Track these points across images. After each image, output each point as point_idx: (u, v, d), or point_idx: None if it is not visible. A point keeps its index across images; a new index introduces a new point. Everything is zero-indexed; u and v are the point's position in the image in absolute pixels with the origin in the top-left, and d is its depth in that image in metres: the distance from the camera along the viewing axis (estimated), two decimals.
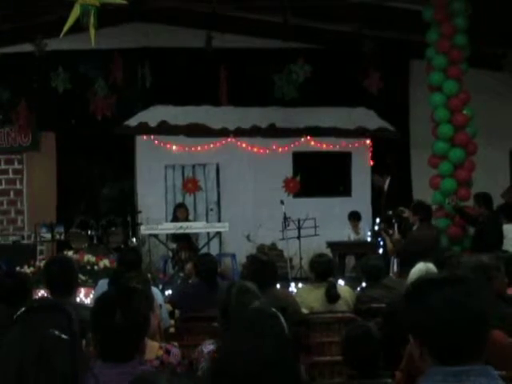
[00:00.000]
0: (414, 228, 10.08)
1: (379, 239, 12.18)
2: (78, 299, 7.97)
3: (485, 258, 5.40)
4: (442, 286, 2.16)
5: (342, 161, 14.67)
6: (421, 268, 6.75)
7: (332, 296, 6.60)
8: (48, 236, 12.95)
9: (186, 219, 13.02)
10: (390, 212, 11.50)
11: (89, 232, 12.71)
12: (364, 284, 7.11)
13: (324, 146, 14.63)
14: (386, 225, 11.65)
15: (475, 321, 2.12)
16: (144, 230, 12.69)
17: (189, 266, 10.63)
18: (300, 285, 9.52)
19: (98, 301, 3.27)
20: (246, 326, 2.04)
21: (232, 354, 1.97)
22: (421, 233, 10.01)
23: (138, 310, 3.15)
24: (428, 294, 2.16)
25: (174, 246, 12.86)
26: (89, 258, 10.50)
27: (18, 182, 14.55)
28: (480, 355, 2.15)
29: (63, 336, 2.45)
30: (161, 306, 5.83)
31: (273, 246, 14.00)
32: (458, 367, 2.11)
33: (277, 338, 2.00)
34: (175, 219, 12.99)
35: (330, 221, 13.29)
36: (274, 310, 2.18)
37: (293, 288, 9.79)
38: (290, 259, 13.07)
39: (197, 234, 13.26)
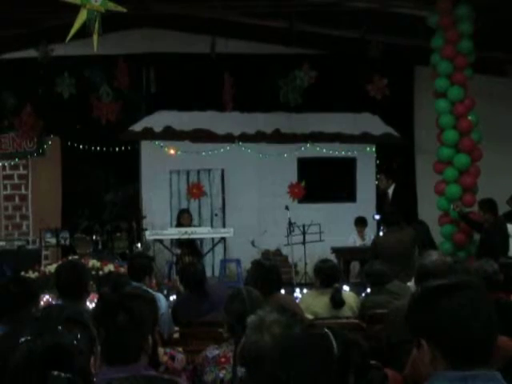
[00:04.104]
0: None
1: None
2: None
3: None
4: (454, 290, 2.18)
5: (347, 166, 14.67)
6: None
7: (337, 302, 6.60)
8: (53, 241, 12.96)
9: (190, 225, 13.03)
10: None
11: (94, 237, 12.71)
12: (369, 290, 7.10)
13: (329, 151, 14.63)
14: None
15: (487, 325, 2.15)
16: (149, 235, 12.71)
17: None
18: (305, 290, 9.51)
19: (101, 302, 3.27)
20: (297, 350, 2.05)
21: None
22: (381, 238, 10.20)
23: (139, 309, 3.15)
24: (442, 298, 2.17)
25: (178, 251, 12.86)
26: (94, 263, 10.50)
27: (23, 187, 14.57)
28: (489, 360, 2.16)
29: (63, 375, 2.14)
30: (162, 313, 5.83)
31: (277, 252, 13.99)
32: (465, 371, 2.11)
33: (326, 360, 2.01)
34: (179, 225, 13.00)
35: (334, 226, 13.29)
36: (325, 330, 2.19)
37: (297, 294, 9.78)
38: (295, 265, 13.07)
39: (201, 240, 13.27)
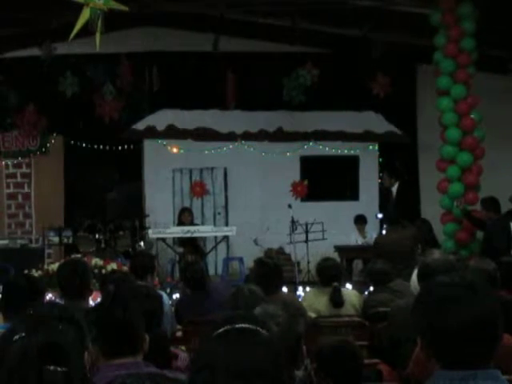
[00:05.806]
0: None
1: None
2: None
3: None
4: (452, 289, 2.16)
5: (350, 165, 14.66)
6: None
7: (336, 301, 6.58)
8: (56, 240, 12.97)
9: (191, 223, 13.03)
10: None
11: (96, 236, 12.73)
12: (371, 288, 7.10)
13: (332, 150, 14.63)
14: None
15: (485, 324, 2.12)
16: (152, 233, 12.72)
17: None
18: (307, 289, 9.52)
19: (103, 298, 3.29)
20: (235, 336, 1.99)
21: (222, 363, 1.91)
22: (383, 237, 10.22)
23: (140, 306, 3.17)
24: (438, 297, 2.16)
25: (180, 249, 12.88)
26: (96, 261, 10.52)
27: (25, 186, 14.58)
28: (489, 359, 2.13)
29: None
30: (165, 312, 5.82)
31: (280, 250, 13.99)
32: (465, 371, 2.10)
33: (267, 348, 1.96)
34: (180, 223, 13.01)
35: (337, 225, 13.27)
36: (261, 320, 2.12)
37: (300, 292, 9.78)
38: (298, 263, 13.06)
39: (204, 238, 13.28)
